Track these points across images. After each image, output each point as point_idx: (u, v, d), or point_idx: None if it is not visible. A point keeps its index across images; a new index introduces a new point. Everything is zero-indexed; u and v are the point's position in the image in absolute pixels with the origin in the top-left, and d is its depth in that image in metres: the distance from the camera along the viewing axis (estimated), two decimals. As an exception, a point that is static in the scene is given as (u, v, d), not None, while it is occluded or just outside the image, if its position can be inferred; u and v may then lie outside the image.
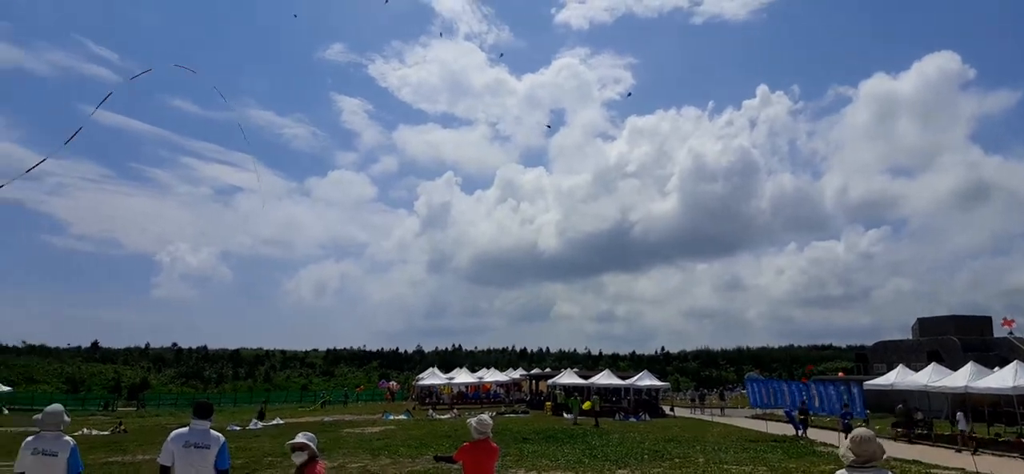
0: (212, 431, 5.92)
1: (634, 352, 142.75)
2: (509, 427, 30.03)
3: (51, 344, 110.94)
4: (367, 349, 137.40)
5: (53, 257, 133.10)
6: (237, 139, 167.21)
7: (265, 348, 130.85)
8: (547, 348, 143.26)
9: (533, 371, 63.86)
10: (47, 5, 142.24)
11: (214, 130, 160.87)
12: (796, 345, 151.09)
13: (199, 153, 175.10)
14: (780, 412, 32.73)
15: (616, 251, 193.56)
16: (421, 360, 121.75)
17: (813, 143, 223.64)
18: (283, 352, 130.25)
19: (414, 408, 48.82)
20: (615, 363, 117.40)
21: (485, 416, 6.43)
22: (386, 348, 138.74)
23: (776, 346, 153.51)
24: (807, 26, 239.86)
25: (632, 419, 38.93)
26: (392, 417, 40.12)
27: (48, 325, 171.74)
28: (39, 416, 5.83)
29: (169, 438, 5.82)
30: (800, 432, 27.84)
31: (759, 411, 37.17)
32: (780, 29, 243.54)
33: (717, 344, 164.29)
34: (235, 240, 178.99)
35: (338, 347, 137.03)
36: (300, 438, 5.43)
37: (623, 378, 48.17)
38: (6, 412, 53.04)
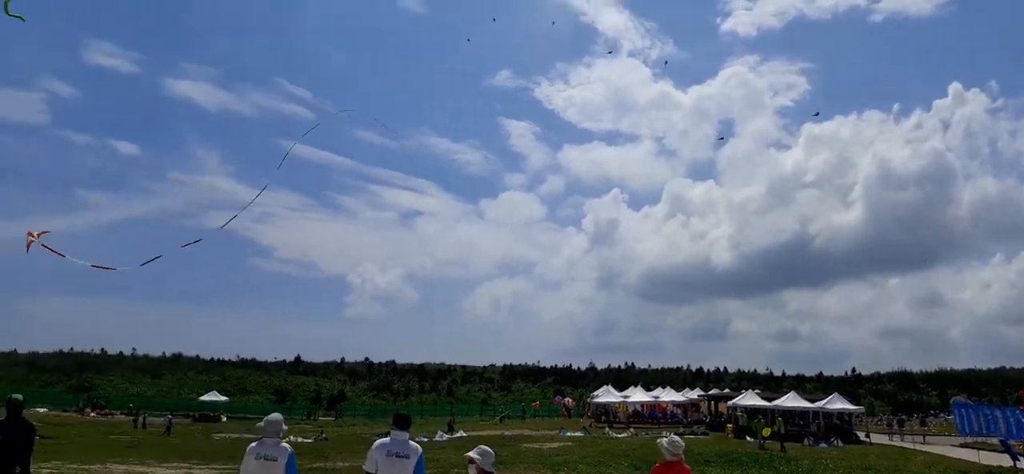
0: (411, 442, 6.32)
1: (821, 373, 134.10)
2: (690, 449, 29.28)
3: (260, 358, 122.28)
4: (541, 365, 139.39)
5: (261, 279, 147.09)
6: (418, 165, 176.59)
7: (447, 363, 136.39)
8: (724, 368, 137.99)
9: (711, 391, 61.93)
10: (251, 51, 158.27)
11: (396, 158, 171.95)
12: (1008, 367, 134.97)
13: (384, 180, 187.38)
14: (994, 441, 29.55)
15: (796, 265, 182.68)
16: (594, 377, 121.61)
17: (1018, 143, 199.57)
18: (463, 367, 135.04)
19: (590, 425, 48.96)
20: (801, 384, 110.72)
21: (676, 437, 6.39)
22: (560, 364, 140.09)
23: (984, 368, 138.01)
24: (1003, 16, 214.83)
25: (823, 445, 36.68)
26: (569, 434, 40.49)
27: (257, 340, 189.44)
28: (262, 424, 6.51)
29: (373, 447, 6.27)
30: (1018, 462, 25.04)
31: (968, 439, 33.76)
32: (972, 21, 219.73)
33: (915, 365, 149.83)
34: (418, 261, 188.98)
35: (514, 363, 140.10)
36: (471, 453, 5.53)
37: (811, 400, 45.58)
38: (224, 419, 59.24)
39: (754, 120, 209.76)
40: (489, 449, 5.63)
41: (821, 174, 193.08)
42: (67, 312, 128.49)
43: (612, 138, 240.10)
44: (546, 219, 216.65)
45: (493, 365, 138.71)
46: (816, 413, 43.15)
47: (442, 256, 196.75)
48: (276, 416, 6.44)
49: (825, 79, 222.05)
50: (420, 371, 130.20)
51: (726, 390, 64.37)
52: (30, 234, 13.00)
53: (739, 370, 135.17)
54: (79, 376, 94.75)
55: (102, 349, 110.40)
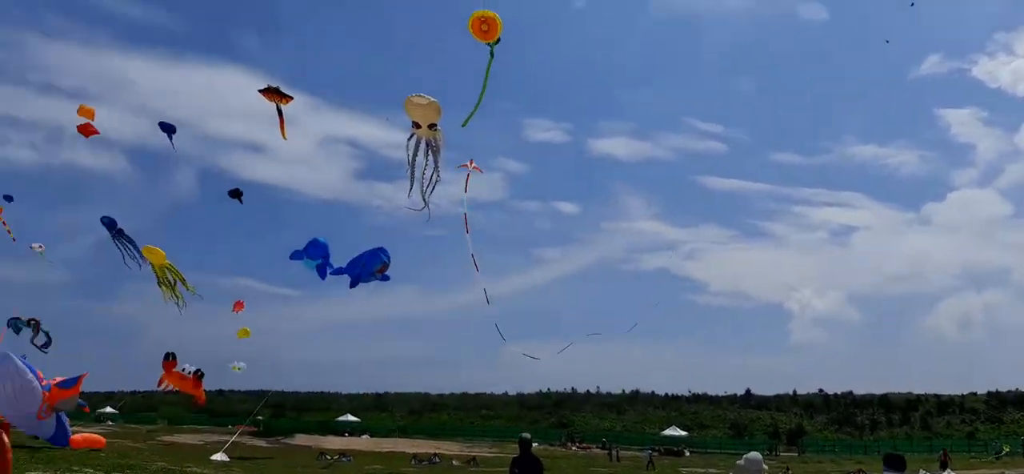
0: None
1: None
2: None
3: (710, 392, 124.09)
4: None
5: (698, 313, 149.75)
6: (843, 178, 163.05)
7: (916, 392, 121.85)
8: None
9: None
10: (660, 98, 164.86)
11: (817, 175, 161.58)
12: None
13: (807, 200, 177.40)
14: None
15: None
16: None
17: None
18: (937, 396, 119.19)
19: None
20: None
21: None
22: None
23: None
24: None
25: None
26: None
27: (706, 375, 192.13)
28: (742, 462, 7.02)
29: None
30: None
31: None
32: None
33: None
34: (858, 280, 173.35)
35: (1002, 389, 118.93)
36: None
37: None
38: (688, 454, 61.65)
39: None
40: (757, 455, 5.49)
41: None
42: (540, 356, 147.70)
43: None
44: (1015, 216, 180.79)
45: (974, 392, 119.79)
46: None
47: (887, 271, 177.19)
48: (755, 456, 6.87)
49: None
50: (884, 401, 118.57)
51: None
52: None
53: None
54: (558, 413, 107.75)
55: (573, 388, 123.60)
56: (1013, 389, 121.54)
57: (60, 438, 22.75)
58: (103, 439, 27.32)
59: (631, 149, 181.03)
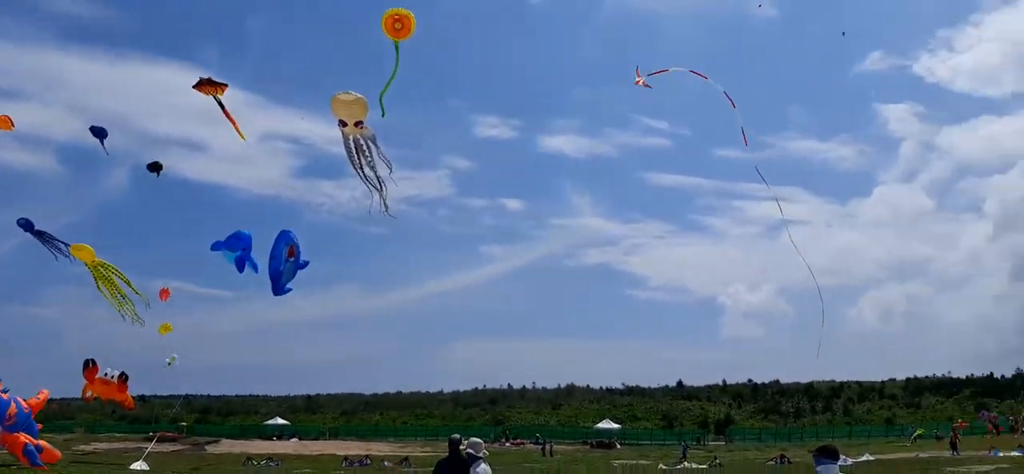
0: None
1: None
2: None
3: (644, 384, 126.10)
4: (954, 376, 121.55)
5: (638, 308, 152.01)
6: (783, 173, 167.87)
7: (838, 380, 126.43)
8: None
9: None
10: (608, 96, 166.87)
11: (760, 169, 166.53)
12: None
13: (748, 195, 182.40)
14: None
15: None
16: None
17: None
18: (859, 383, 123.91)
19: (1031, 444, 41.56)
20: None
21: None
22: (977, 374, 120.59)
23: None
24: None
25: None
26: (1001, 454, 34.89)
27: (641, 367, 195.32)
28: (465, 446, 8.07)
29: None
30: None
31: None
32: None
33: None
34: (789, 274, 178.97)
35: (919, 375, 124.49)
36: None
37: None
38: (619, 447, 62.44)
39: None
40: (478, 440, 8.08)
41: None
42: (478, 353, 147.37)
43: (1019, 101, 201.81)
44: (938, 209, 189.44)
45: (893, 379, 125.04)
46: None
47: (816, 265, 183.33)
48: (477, 440, 8.60)
49: None
50: (809, 390, 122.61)
51: None
52: None
53: None
54: (493, 410, 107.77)
55: (508, 384, 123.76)
56: (930, 375, 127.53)
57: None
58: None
59: (578, 146, 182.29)
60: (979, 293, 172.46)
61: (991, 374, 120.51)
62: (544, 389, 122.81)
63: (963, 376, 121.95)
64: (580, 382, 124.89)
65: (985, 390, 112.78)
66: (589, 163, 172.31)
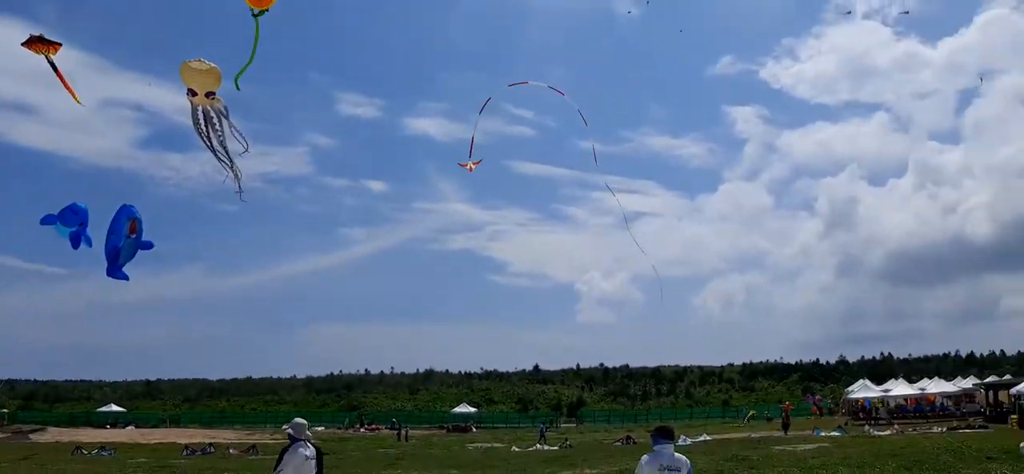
0: (677, 454, 6.44)
1: None
2: (969, 446, 26.33)
3: (502, 369, 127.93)
4: (785, 361, 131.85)
5: (499, 293, 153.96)
6: (639, 167, 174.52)
7: (682, 364, 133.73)
8: (1001, 351, 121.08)
9: (988, 379, 54.92)
10: (474, 82, 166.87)
11: (618, 163, 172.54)
12: None
13: (604, 187, 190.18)
14: None
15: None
16: (846, 371, 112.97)
17: None
18: (700, 368, 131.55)
19: (847, 423, 45.60)
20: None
21: None
22: (805, 360, 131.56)
23: None
24: None
25: None
26: (822, 433, 38.03)
27: (499, 351, 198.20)
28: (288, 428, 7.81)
29: (643, 463, 6.41)
30: None
31: None
32: None
33: None
34: (642, 264, 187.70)
35: (754, 361, 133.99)
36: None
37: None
38: (474, 430, 62.90)
39: (1021, 72, 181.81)
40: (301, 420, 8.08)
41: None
42: (335, 337, 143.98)
43: (851, 109, 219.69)
44: (777, 207, 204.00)
45: (731, 364, 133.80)
46: None
47: (666, 256, 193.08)
48: (300, 420, 8.27)
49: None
50: (656, 374, 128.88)
51: (1006, 377, 56.60)
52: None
53: (1020, 353, 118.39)
54: (349, 396, 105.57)
55: (366, 370, 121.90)
56: (764, 360, 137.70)
57: None
58: None
59: (445, 130, 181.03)
60: (809, 285, 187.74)
61: (817, 360, 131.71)
62: (402, 374, 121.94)
63: (793, 361, 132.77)
64: (439, 367, 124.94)
65: (812, 375, 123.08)
66: (455, 147, 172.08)
